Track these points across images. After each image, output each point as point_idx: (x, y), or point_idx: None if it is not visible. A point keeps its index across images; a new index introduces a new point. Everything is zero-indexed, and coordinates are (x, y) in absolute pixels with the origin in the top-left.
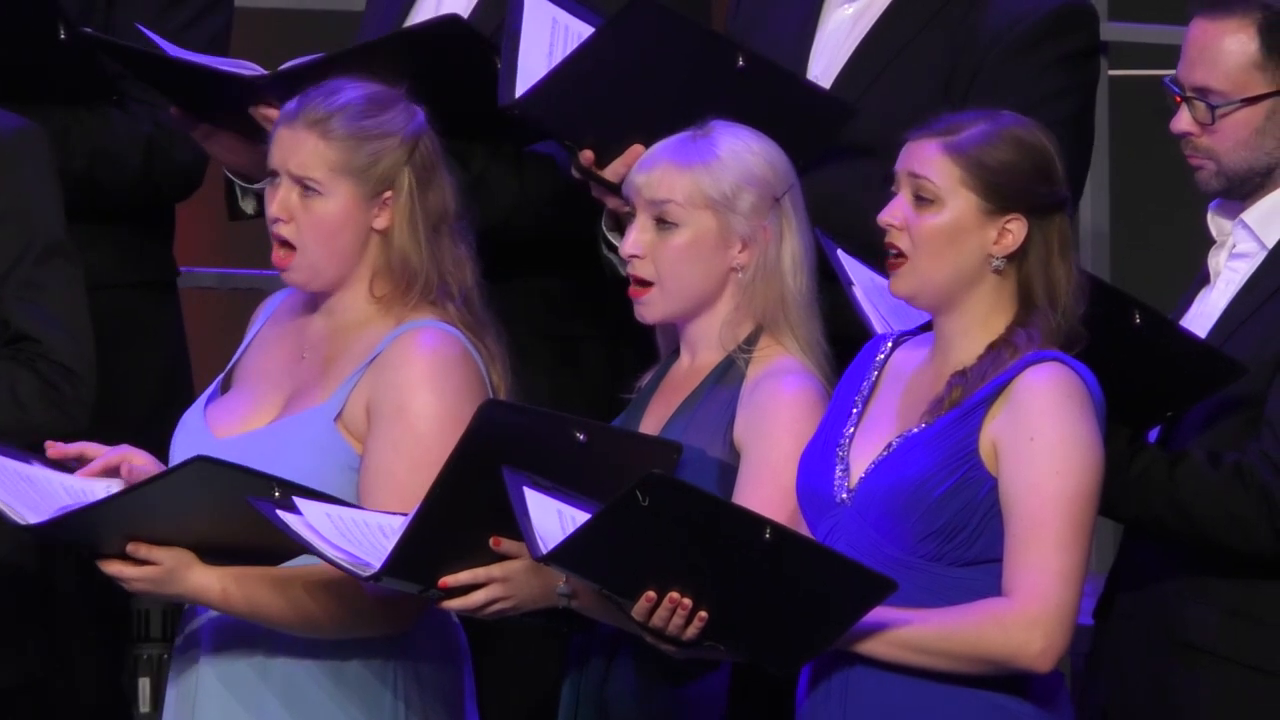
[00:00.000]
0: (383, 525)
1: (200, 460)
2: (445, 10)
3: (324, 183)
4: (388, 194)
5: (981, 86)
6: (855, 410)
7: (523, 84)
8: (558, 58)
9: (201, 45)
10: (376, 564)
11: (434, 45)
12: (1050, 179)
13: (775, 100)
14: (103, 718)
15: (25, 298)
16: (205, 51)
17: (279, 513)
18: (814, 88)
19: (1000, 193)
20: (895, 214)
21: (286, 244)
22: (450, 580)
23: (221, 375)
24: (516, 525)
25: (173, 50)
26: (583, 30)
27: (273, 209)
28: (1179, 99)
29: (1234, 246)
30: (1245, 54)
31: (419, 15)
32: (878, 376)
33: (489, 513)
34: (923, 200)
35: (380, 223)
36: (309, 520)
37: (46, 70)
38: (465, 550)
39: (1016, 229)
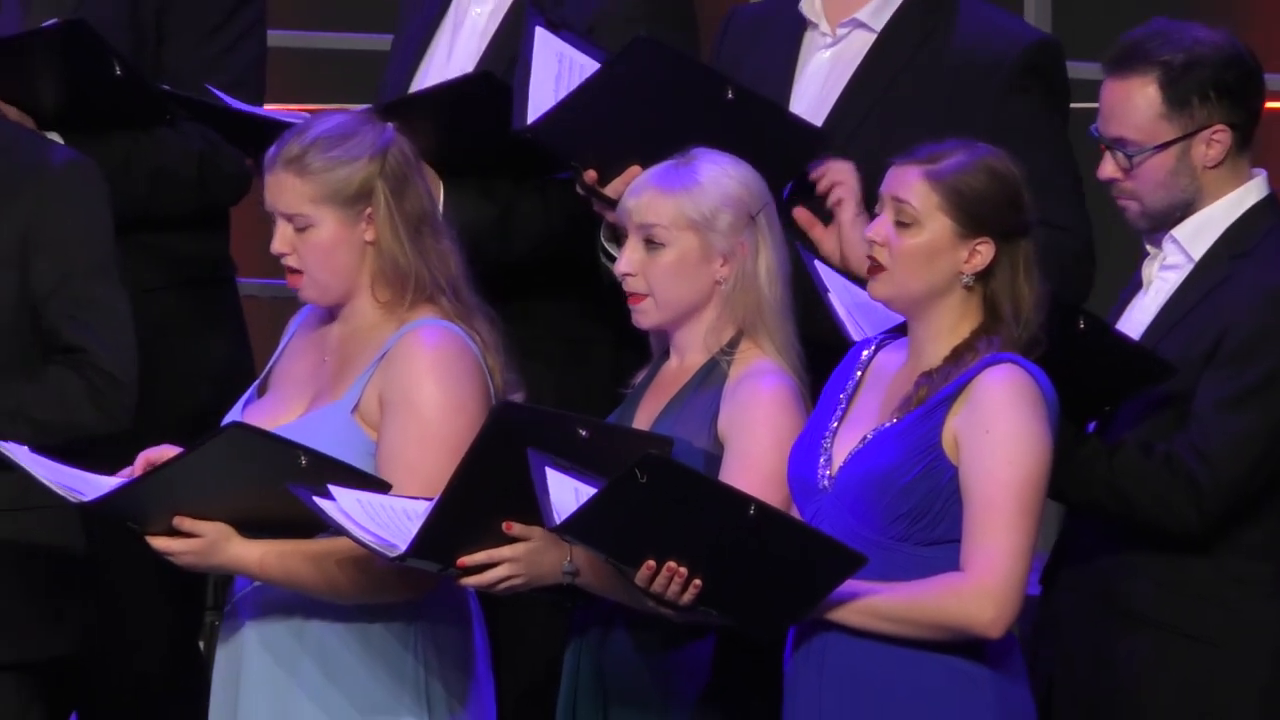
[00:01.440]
0: (406, 509)
1: (235, 427)
2: (456, 58)
3: (311, 215)
4: (368, 209)
5: (976, 123)
6: (840, 406)
7: (534, 110)
8: (563, 86)
9: (242, 69)
10: (402, 546)
11: (464, 96)
12: (1018, 206)
13: (759, 129)
14: (176, 678)
15: (74, 314)
16: (247, 73)
17: (316, 499)
18: (795, 118)
19: (972, 218)
20: (878, 232)
21: (295, 271)
22: (467, 560)
23: (258, 380)
24: (526, 512)
25: (234, 104)
26: (584, 62)
27: (275, 245)
28: (1103, 147)
29: (1165, 258)
30: (1151, 107)
31: (433, 59)
32: (861, 376)
33: (502, 500)
34: (903, 222)
35: (369, 235)
36: (341, 506)
37: (106, 102)
38: (480, 534)
39: (985, 250)
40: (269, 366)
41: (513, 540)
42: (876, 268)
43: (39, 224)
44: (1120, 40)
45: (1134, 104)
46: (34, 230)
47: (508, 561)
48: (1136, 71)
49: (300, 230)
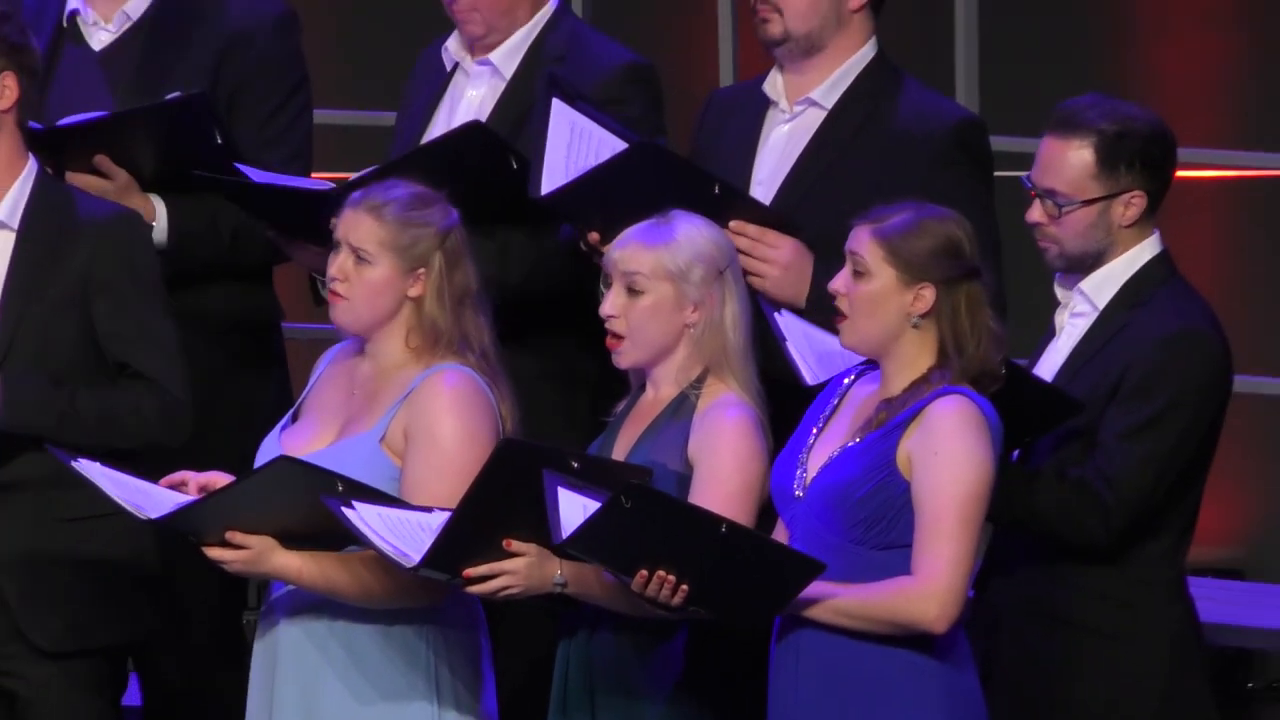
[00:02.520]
0: (421, 522)
1: (283, 460)
2: (459, 118)
3: (373, 254)
4: (421, 270)
5: (911, 188)
6: (818, 426)
7: (548, 175)
8: (574, 151)
9: (298, 144)
10: (416, 558)
11: (460, 148)
12: (957, 256)
13: (737, 211)
14: (223, 667)
15: (137, 344)
16: (301, 147)
17: (343, 509)
18: (763, 207)
19: (911, 267)
20: (839, 283)
21: (340, 296)
22: (471, 572)
23: (292, 409)
24: (524, 530)
25: (259, 176)
26: (593, 130)
27: (332, 270)
28: (1033, 194)
29: (1074, 307)
30: (1084, 166)
31: (433, 135)
32: (839, 401)
33: (503, 521)
34: (858, 273)
35: (413, 291)
36: (364, 518)
37: (201, 167)
38: (484, 549)
39: (927, 295)
40: (302, 396)
41: (511, 555)
42: (840, 317)
43: (96, 269)
44: (1062, 106)
45: (1069, 162)
46: (92, 275)
47: (507, 574)
48: (1076, 134)
49: (359, 263)
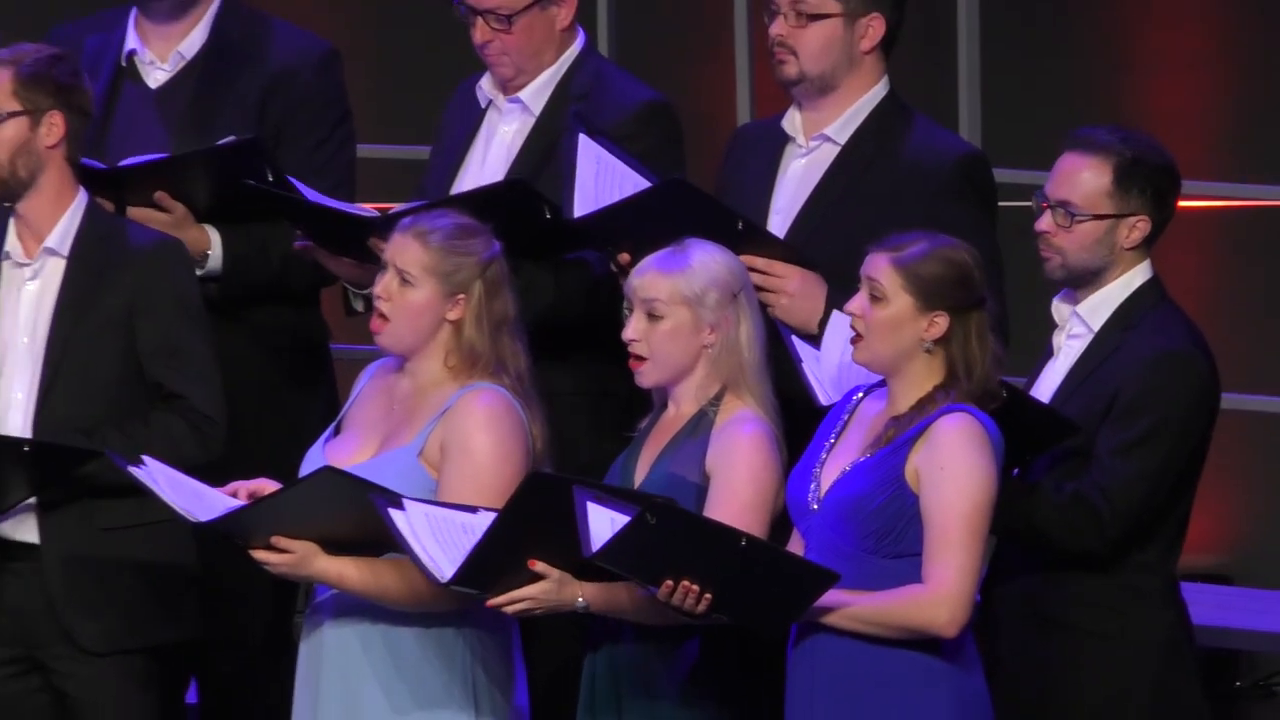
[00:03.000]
0: (465, 523)
1: (327, 470)
2: (488, 167)
3: (416, 277)
4: (461, 296)
5: (917, 218)
6: (830, 441)
7: (580, 202)
8: (600, 182)
9: (341, 173)
10: (448, 574)
11: (503, 197)
12: (968, 285)
13: (758, 245)
14: (274, 667)
15: (173, 365)
16: (344, 176)
17: (390, 510)
18: (781, 242)
19: (928, 295)
20: (856, 306)
21: (383, 316)
22: (495, 601)
23: (334, 423)
24: (548, 551)
25: (311, 195)
26: (615, 163)
27: (377, 289)
28: (1045, 205)
29: (1070, 330)
30: (1101, 183)
31: (469, 168)
32: (849, 418)
33: (529, 543)
34: (875, 298)
35: (452, 315)
36: (411, 519)
37: (251, 199)
38: (510, 567)
39: (941, 322)
40: (344, 411)
41: (535, 576)
42: (856, 337)
43: (140, 294)
44: (1083, 130)
45: (1086, 176)
46: (136, 299)
47: (529, 598)
48: (1097, 154)
49: (402, 285)
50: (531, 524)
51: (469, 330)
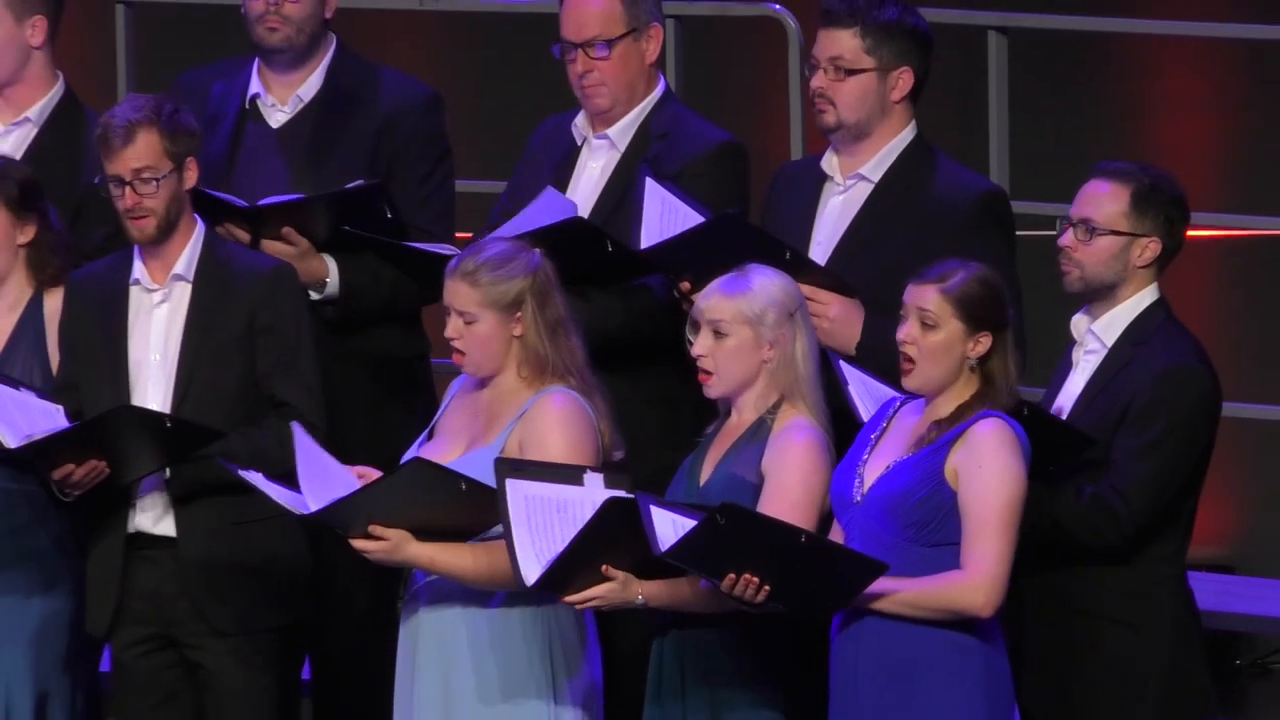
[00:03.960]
0: (562, 501)
1: (417, 460)
2: (577, 198)
3: (476, 314)
4: (519, 313)
5: (943, 250)
6: (871, 443)
7: (646, 236)
8: (664, 219)
9: (443, 205)
10: (532, 578)
11: (569, 232)
12: (1003, 305)
13: (803, 273)
14: (379, 648)
15: (286, 378)
16: (445, 207)
17: (508, 480)
18: (824, 270)
19: (975, 318)
20: (908, 334)
21: (460, 352)
22: (568, 599)
23: (427, 429)
24: (618, 557)
25: (409, 244)
26: (677, 203)
27: (447, 332)
28: (1067, 225)
29: (1087, 345)
30: (1120, 205)
31: (565, 188)
32: (888, 424)
33: (602, 552)
34: (926, 325)
35: (517, 331)
36: (523, 497)
37: (371, 230)
38: (585, 572)
39: (985, 341)
40: (435, 419)
41: (605, 578)
42: (908, 363)
43: (259, 314)
44: (1107, 161)
45: (1109, 197)
46: (254, 317)
47: (598, 597)
48: (1119, 179)
49: (467, 323)
50: (605, 537)
51: (532, 339)
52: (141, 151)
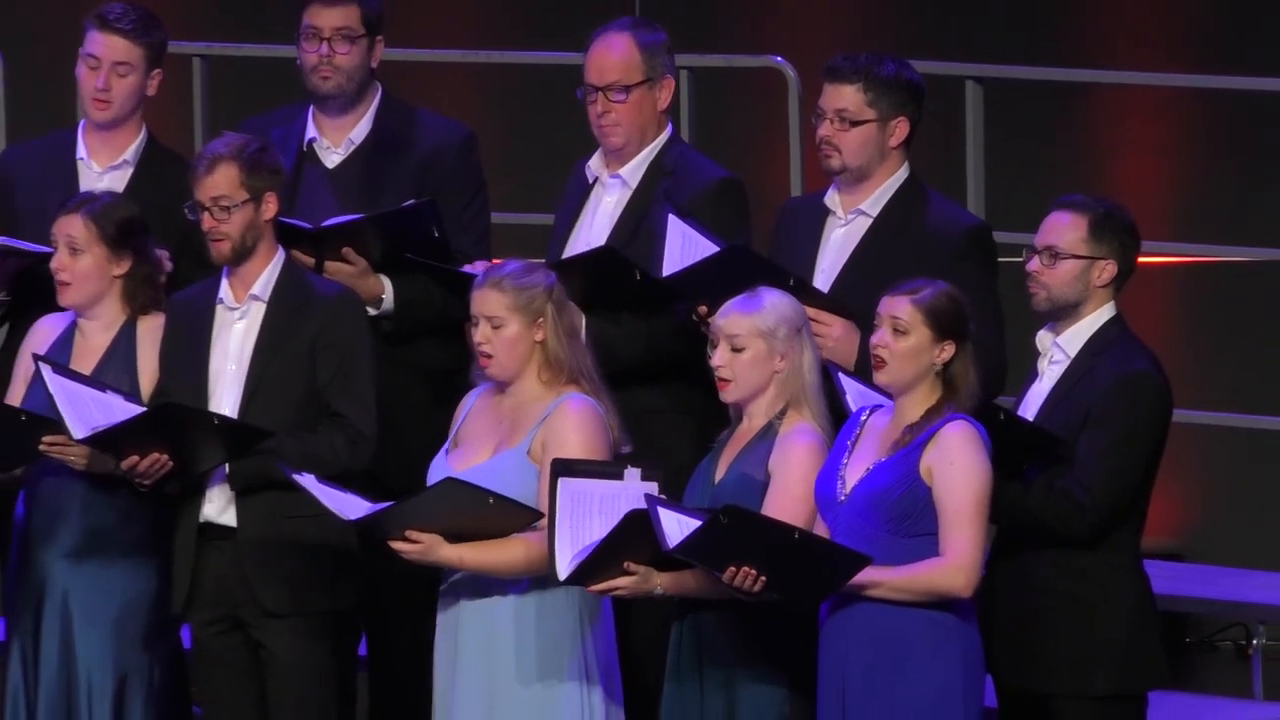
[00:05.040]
0: (604, 494)
1: (449, 480)
2: (594, 230)
3: (504, 318)
4: (540, 320)
5: (939, 278)
6: (848, 449)
7: (668, 265)
8: (685, 250)
9: (481, 230)
10: (566, 573)
11: (600, 261)
12: (966, 320)
13: (807, 298)
14: (423, 628)
15: (341, 391)
16: (483, 233)
17: (561, 479)
18: (825, 295)
19: (941, 327)
20: (881, 340)
21: (487, 355)
22: (594, 588)
23: (449, 439)
24: (639, 554)
25: (461, 268)
26: (696, 236)
27: (476, 338)
28: (1034, 253)
29: (1052, 356)
30: (1080, 232)
31: (580, 231)
32: (861, 431)
33: (624, 550)
34: (898, 332)
35: (538, 336)
36: (571, 495)
37: (418, 251)
38: (610, 567)
39: (949, 349)
40: (454, 430)
41: (626, 572)
42: (880, 364)
43: (322, 331)
44: (1065, 196)
45: (1069, 226)
46: (319, 335)
47: (621, 587)
48: (1076, 210)
49: (495, 328)
50: (626, 540)
51: (552, 344)
52: (219, 182)
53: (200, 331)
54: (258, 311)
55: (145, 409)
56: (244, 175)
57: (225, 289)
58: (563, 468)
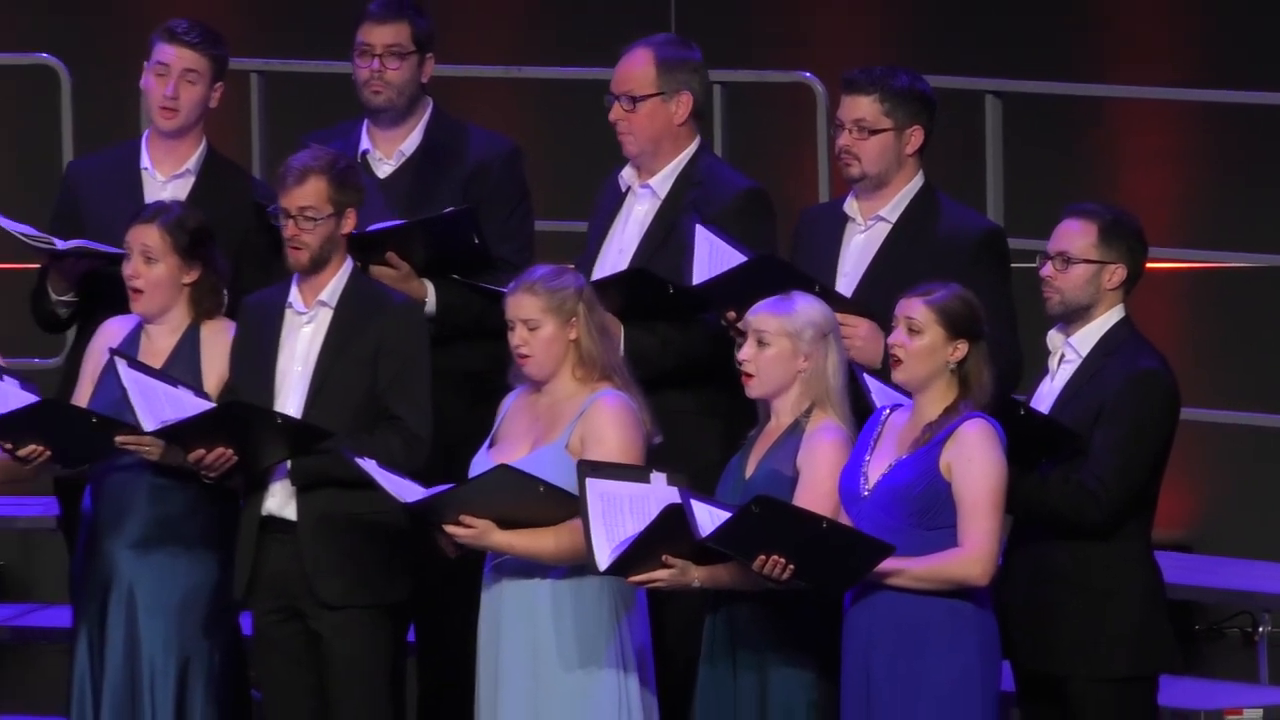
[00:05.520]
0: (634, 497)
1: (503, 466)
2: (625, 240)
3: (539, 320)
4: (574, 319)
5: (955, 280)
6: (870, 446)
7: (698, 273)
8: (713, 260)
9: (524, 238)
10: (605, 564)
11: (629, 280)
12: (979, 320)
13: (832, 302)
14: (469, 615)
15: (400, 395)
16: (526, 239)
17: (588, 479)
18: (849, 299)
19: (954, 327)
20: (897, 339)
21: (525, 356)
22: (632, 580)
23: (489, 437)
24: (675, 546)
25: (494, 287)
26: (724, 246)
27: (513, 340)
28: (1047, 258)
29: (1064, 356)
30: (1090, 238)
31: (611, 241)
32: (882, 429)
33: (661, 544)
34: (912, 331)
35: (572, 335)
36: (600, 494)
37: (459, 257)
38: (649, 559)
39: (963, 348)
40: (493, 431)
41: (665, 565)
42: (897, 362)
43: (385, 338)
44: (1076, 204)
45: (1080, 233)
46: (382, 342)
47: (659, 580)
48: (1087, 217)
49: (531, 330)
50: (663, 533)
51: (585, 342)
52: (309, 193)
53: (270, 334)
54: (325, 317)
55: (213, 405)
56: (332, 190)
57: (295, 294)
58: (590, 469)
